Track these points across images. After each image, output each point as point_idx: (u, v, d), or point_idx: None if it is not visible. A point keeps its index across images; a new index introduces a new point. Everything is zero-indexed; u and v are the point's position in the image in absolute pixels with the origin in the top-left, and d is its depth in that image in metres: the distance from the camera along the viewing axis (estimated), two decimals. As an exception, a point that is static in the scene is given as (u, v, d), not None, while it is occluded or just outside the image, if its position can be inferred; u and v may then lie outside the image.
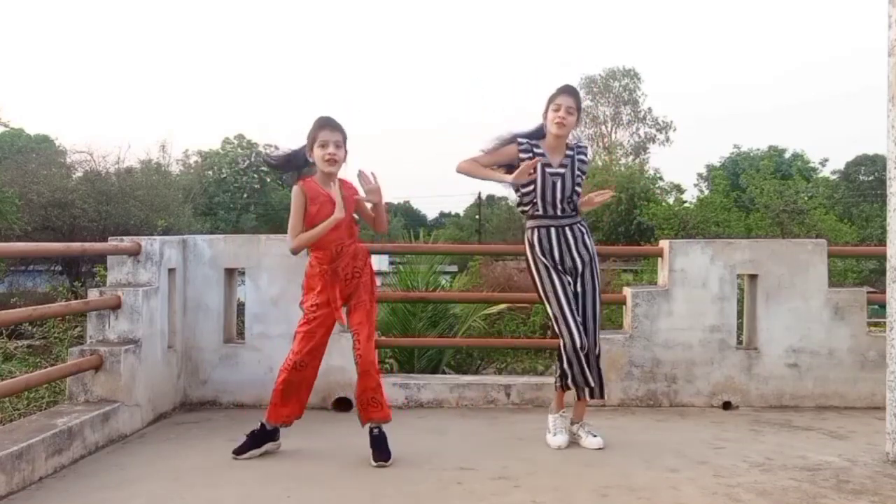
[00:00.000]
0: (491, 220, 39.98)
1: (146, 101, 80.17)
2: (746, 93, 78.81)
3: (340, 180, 3.90)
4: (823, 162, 37.73)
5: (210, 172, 36.78)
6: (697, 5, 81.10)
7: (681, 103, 76.12)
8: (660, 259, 5.40)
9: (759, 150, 38.55)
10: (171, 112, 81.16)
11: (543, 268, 4.09)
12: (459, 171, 4.18)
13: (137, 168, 26.39)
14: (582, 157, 4.20)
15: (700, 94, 78.95)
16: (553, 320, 4.10)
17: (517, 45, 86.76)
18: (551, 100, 4.11)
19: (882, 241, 4.80)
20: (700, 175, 41.89)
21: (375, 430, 3.85)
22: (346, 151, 3.87)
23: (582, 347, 4.03)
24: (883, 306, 4.35)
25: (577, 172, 4.13)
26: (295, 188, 3.85)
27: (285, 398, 3.89)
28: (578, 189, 4.14)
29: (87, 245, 5.10)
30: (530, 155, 4.09)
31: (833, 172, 40.03)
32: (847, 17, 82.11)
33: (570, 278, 4.10)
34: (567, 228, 4.10)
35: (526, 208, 4.14)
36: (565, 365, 4.08)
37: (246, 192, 36.85)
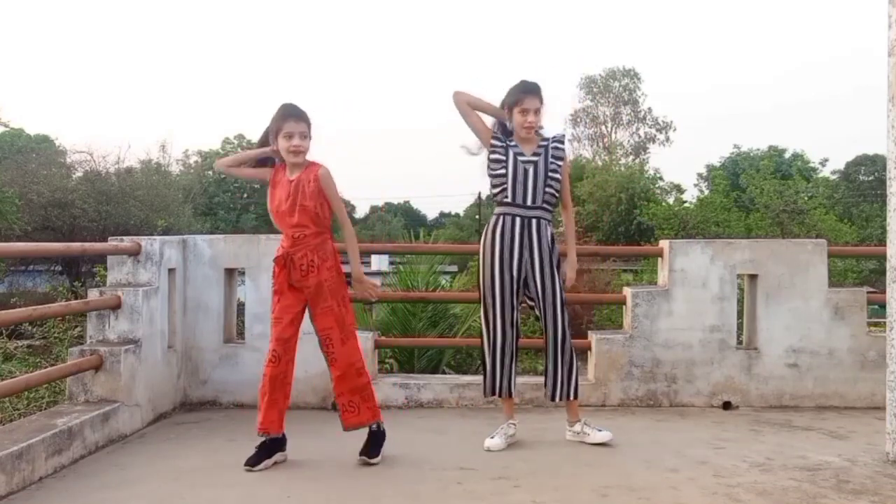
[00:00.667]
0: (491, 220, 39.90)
1: (146, 101, 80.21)
2: (746, 93, 78.80)
3: (309, 164, 3.79)
4: (823, 162, 37.72)
5: (210, 172, 36.77)
6: (697, 5, 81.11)
7: (681, 103, 76.09)
8: (660, 259, 5.39)
9: (759, 150, 38.53)
10: (171, 112, 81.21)
11: (490, 264, 4.07)
12: (458, 100, 4.06)
13: (137, 168, 26.35)
14: (557, 144, 4.11)
15: (700, 94, 78.95)
16: (483, 319, 4.12)
17: (517, 46, 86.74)
18: (517, 101, 4.04)
19: (882, 241, 4.80)
20: (700, 175, 41.88)
21: (374, 426, 3.86)
22: (310, 138, 3.78)
23: (503, 351, 4.08)
24: (883, 306, 4.35)
25: (552, 160, 4.06)
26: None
27: (262, 398, 3.74)
28: (553, 176, 4.04)
29: (87, 245, 5.11)
30: (502, 144, 4.07)
31: (833, 172, 40.03)
32: (847, 17, 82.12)
33: (521, 274, 4.04)
34: (534, 221, 4.03)
35: (496, 193, 4.08)
36: (488, 368, 4.14)
37: (246, 192, 36.87)
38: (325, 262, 3.76)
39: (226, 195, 36.36)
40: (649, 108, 48.33)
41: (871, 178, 40.30)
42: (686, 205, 28.23)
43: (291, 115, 3.73)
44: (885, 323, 3.98)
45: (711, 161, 41.51)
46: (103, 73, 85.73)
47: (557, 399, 4.15)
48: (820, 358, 5.14)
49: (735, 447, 4.09)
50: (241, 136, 39.59)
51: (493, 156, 4.07)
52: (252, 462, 3.70)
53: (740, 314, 5.33)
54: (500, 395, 4.20)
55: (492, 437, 4.09)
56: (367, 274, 4.12)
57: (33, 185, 21.09)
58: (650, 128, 48.57)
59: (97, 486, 3.44)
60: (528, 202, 4.02)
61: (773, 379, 5.13)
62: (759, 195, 24.00)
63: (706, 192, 33.21)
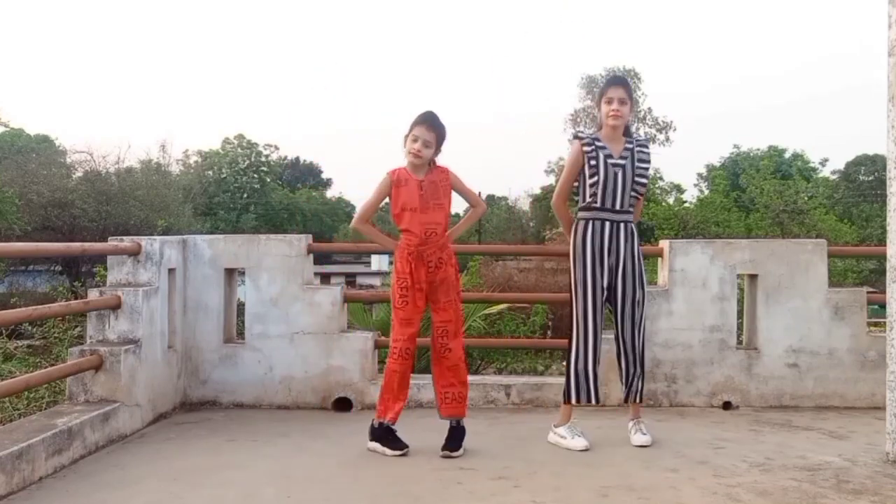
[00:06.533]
0: (491, 220, 39.92)
1: (146, 101, 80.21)
2: (746, 92, 78.93)
3: (436, 167, 4.01)
4: (823, 162, 37.88)
5: (210, 172, 36.81)
6: (697, 5, 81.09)
7: (681, 103, 76.20)
8: (660, 259, 5.40)
9: (759, 150, 38.59)
10: (171, 112, 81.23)
11: (583, 266, 4.11)
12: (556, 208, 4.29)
13: (137, 168, 26.39)
14: (642, 149, 4.17)
15: (700, 94, 79.06)
16: (573, 322, 4.15)
17: (517, 45, 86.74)
18: (602, 93, 4.16)
19: (882, 241, 4.80)
20: (700, 175, 41.94)
21: (454, 422, 4.02)
22: (436, 151, 3.98)
23: (586, 364, 4.10)
24: (883, 306, 4.35)
25: (638, 163, 4.11)
26: (384, 176, 4.01)
27: (399, 391, 3.99)
28: (640, 181, 4.12)
29: (87, 245, 5.11)
30: (592, 147, 4.10)
31: (833, 172, 40.12)
32: (847, 17, 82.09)
33: (608, 279, 4.10)
34: (622, 225, 4.10)
35: (587, 199, 4.13)
36: (571, 378, 4.14)
37: (246, 192, 36.89)
38: (451, 258, 4.02)
39: (226, 195, 36.36)
40: (649, 108, 48.20)
41: (871, 178, 40.32)
42: (686, 205, 28.27)
43: (424, 122, 3.94)
44: (885, 323, 3.98)
45: (711, 161, 41.61)
46: (103, 73, 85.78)
47: (629, 402, 4.24)
48: (820, 358, 5.14)
49: (735, 447, 4.09)
50: (241, 136, 39.58)
51: (591, 162, 4.09)
52: (400, 446, 3.93)
53: (740, 314, 5.33)
54: (582, 402, 4.14)
55: (572, 439, 4.05)
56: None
57: (33, 185, 21.10)
58: (650, 128, 48.45)
59: (97, 486, 3.44)
60: (617, 206, 4.09)
61: (773, 379, 5.13)
62: (759, 195, 24.04)
63: (706, 192, 33.25)
